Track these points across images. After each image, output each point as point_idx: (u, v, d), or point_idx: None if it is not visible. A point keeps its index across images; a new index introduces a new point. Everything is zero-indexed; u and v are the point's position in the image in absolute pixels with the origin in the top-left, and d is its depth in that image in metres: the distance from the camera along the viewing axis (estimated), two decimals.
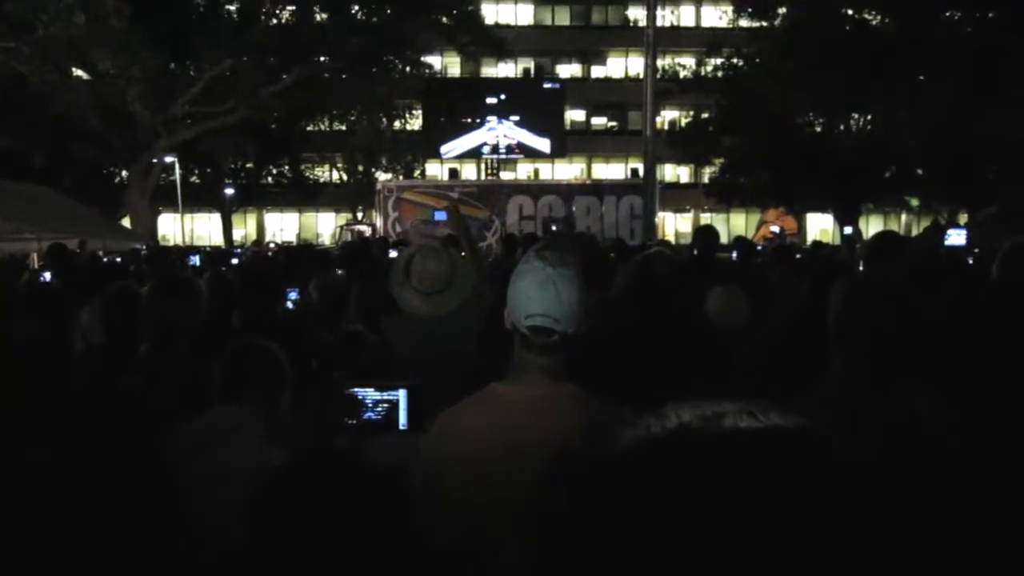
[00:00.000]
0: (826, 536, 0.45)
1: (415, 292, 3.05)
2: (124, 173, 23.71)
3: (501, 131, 24.24)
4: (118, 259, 10.05)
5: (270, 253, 12.28)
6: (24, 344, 2.23)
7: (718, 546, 0.44)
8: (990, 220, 17.44)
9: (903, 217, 34.14)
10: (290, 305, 4.23)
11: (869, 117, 21.62)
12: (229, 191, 29.76)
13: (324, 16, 21.26)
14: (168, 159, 23.54)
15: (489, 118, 24.26)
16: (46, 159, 19.50)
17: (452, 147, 24.75)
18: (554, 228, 17.54)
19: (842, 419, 1.56)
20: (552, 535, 0.51)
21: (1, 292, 4.78)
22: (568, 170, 36.81)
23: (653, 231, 19.89)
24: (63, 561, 1.49)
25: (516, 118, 24.32)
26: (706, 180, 29.12)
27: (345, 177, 32.77)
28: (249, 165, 29.53)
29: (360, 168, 31.95)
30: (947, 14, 18.02)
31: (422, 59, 24.07)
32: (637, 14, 35.34)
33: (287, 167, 30.73)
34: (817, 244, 14.10)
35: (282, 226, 38.20)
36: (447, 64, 35.24)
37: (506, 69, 35.71)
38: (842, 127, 21.96)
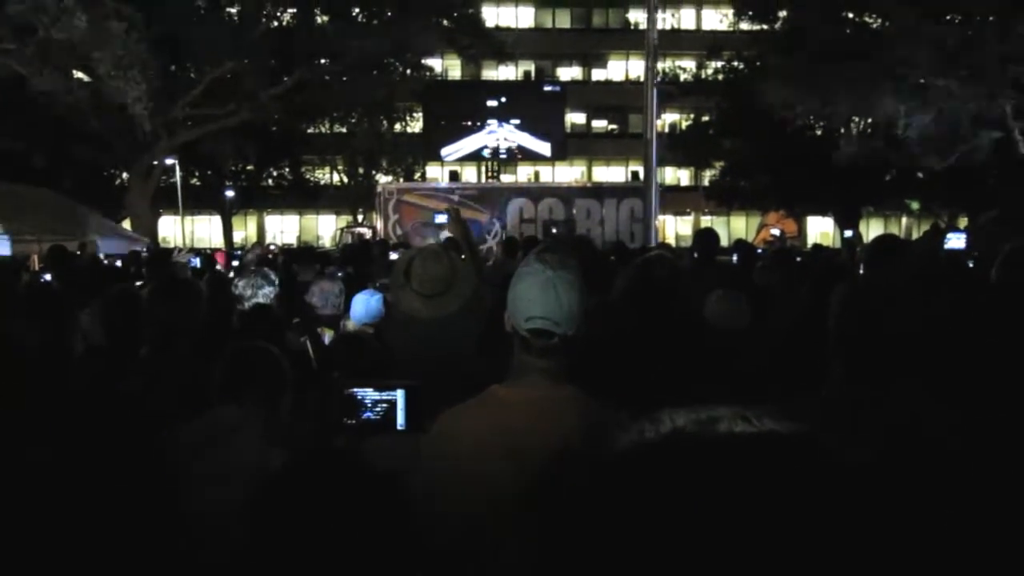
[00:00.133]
0: (822, 540, 0.45)
1: (415, 294, 3.05)
2: (125, 175, 23.74)
3: (502, 134, 24.22)
4: (118, 263, 10.04)
5: (271, 255, 12.28)
6: (24, 345, 2.24)
7: (713, 551, 0.44)
8: (990, 224, 17.42)
9: (903, 220, 34.18)
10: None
11: (870, 120, 21.64)
12: (230, 193, 29.83)
13: (325, 19, 21.28)
14: (169, 161, 23.59)
15: (490, 121, 24.23)
16: (46, 160, 19.52)
17: (452, 150, 24.72)
18: (554, 231, 17.51)
19: (842, 422, 1.56)
20: (551, 537, 0.51)
21: (1, 293, 4.78)
22: (568, 173, 36.89)
23: (654, 234, 19.87)
24: (64, 562, 1.49)
25: (517, 121, 24.31)
26: (706, 183, 29.19)
27: (346, 179, 32.82)
28: (250, 167, 29.59)
29: (360, 171, 32.01)
30: (947, 17, 18.04)
31: (423, 62, 24.10)
32: (638, 17, 35.42)
33: (288, 169, 30.81)
34: (817, 247, 14.13)
35: (282, 228, 38.26)
36: (448, 67, 35.28)
37: (507, 72, 35.75)
38: (842, 130, 22.00)
